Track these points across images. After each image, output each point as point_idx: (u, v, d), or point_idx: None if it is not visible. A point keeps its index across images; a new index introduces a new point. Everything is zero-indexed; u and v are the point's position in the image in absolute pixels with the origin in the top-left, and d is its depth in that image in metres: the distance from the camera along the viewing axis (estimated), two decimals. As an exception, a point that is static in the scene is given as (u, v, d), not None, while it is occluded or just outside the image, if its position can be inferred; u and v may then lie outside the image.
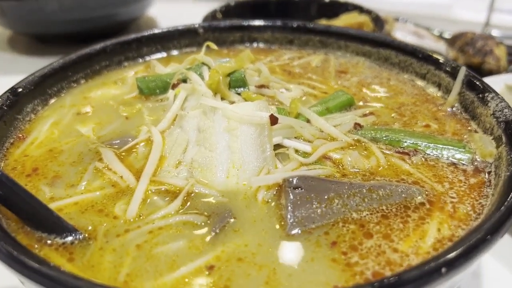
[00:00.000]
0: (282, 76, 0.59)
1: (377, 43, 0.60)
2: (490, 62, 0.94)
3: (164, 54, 0.64)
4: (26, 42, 1.13)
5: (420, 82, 0.56)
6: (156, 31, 0.62)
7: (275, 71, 0.60)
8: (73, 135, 0.48)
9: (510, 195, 0.34)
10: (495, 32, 1.28)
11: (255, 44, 0.67)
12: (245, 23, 0.66)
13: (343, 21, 0.80)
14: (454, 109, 0.50)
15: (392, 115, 0.50)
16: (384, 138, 0.45)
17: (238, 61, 0.53)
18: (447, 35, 1.12)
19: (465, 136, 0.46)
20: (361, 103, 0.52)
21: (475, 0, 1.56)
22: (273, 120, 0.42)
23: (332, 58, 0.63)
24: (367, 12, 0.84)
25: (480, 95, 0.47)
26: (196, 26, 0.65)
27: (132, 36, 0.61)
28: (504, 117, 0.44)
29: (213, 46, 0.57)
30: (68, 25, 1.03)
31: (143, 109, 0.51)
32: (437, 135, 0.46)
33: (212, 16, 0.87)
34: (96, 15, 1.03)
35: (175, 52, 0.64)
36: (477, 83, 0.48)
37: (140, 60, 0.62)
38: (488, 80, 0.77)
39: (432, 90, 0.54)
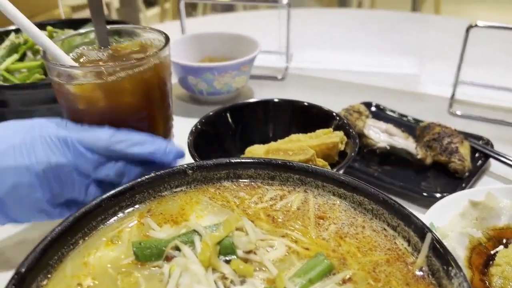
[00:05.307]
0: (267, 224, 0.64)
1: (351, 187, 0.66)
2: (456, 162, 1.01)
3: (156, 198, 0.68)
4: None
5: (392, 232, 0.62)
6: (148, 176, 0.67)
7: (260, 217, 0.65)
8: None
9: None
10: (459, 110, 1.37)
11: (240, 180, 0.72)
12: (231, 160, 0.71)
13: (318, 138, 0.85)
14: (423, 272, 0.56)
15: (368, 280, 0.55)
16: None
17: (226, 226, 0.58)
18: (413, 120, 1.19)
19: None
20: (339, 264, 0.57)
21: (441, 71, 1.66)
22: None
23: (311, 197, 0.68)
24: (342, 126, 0.90)
25: (445, 267, 0.53)
26: (185, 167, 0.69)
27: (126, 185, 0.65)
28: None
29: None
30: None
31: (140, 280, 0.55)
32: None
33: (196, 129, 0.92)
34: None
35: (166, 193, 0.68)
36: (443, 252, 0.54)
37: (135, 207, 0.66)
38: (453, 196, 0.84)
39: (403, 244, 0.60)
